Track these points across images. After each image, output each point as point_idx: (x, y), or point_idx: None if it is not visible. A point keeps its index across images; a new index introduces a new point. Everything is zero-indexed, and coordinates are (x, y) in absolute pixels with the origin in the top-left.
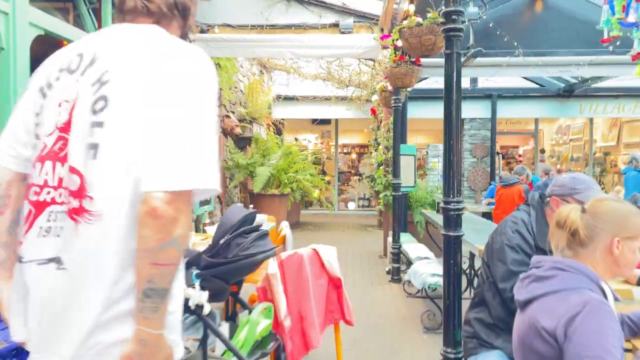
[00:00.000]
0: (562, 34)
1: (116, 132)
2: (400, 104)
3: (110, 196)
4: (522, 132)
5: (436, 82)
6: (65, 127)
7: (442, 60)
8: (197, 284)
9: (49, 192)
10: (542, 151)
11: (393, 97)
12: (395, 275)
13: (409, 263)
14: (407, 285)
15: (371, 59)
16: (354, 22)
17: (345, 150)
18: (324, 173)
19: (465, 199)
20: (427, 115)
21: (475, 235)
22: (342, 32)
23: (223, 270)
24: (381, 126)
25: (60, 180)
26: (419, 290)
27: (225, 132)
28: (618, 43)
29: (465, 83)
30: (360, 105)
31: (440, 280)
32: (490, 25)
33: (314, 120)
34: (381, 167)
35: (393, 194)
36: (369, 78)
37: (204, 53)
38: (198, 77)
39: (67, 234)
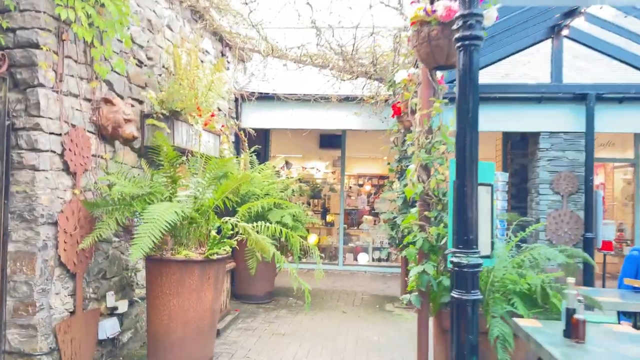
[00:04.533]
0: None
1: None
2: (477, 41)
3: None
4: (618, 159)
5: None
6: None
7: None
8: None
9: None
10: None
11: (460, 19)
12: None
13: None
14: None
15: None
16: None
17: (357, 182)
18: (325, 212)
19: None
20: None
21: None
22: None
23: None
24: (415, 128)
25: None
26: None
27: (102, 132)
28: None
29: (544, 76)
30: (377, 108)
31: None
32: None
33: (322, 143)
34: (413, 210)
35: (458, 290)
36: (389, 55)
37: None
38: None
39: None
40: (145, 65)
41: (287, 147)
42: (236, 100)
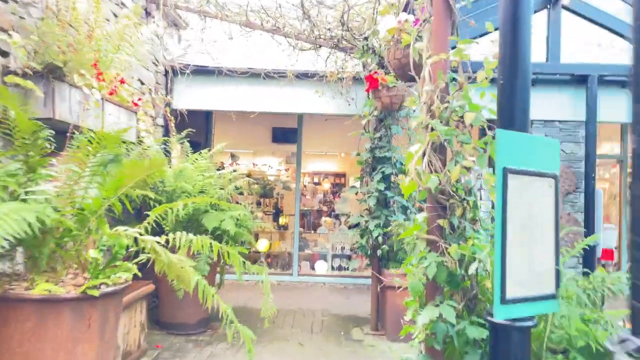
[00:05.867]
0: None
1: None
2: None
3: None
4: (603, 155)
5: None
6: None
7: None
8: None
9: None
10: None
11: None
12: None
13: None
14: None
15: None
16: None
17: (313, 179)
18: (277, 213)
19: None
20: None
21: None
22: None
23: None
24: (422, 87)
25: None
26: None
27: None
28: None
29: (539, 54)
30: (343, 87)
31: None
32: None
33: (275, 137)
34: (420, 216)
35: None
36: (367, 12)
37: None
38: None
39: None
40: (15, 2)
41: (235, 141)
42: (166, 73)
